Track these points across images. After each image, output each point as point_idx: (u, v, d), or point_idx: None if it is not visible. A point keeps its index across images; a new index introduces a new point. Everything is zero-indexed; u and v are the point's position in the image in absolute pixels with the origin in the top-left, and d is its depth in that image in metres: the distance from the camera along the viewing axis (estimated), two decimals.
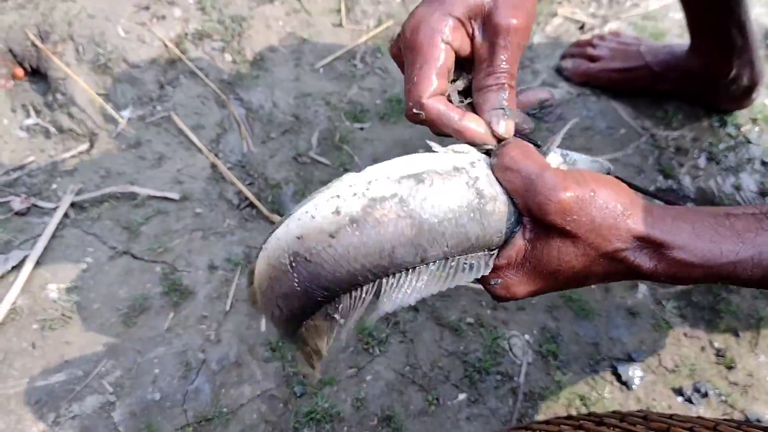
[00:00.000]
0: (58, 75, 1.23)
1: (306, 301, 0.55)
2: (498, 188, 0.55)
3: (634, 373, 1.03)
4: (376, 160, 1.19)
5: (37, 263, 1.05)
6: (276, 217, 1.12)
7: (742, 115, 1.32)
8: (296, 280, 0.54)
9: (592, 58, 1.36)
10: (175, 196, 1.13)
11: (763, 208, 0.55)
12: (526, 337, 1.05)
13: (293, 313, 0.57)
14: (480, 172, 0.55)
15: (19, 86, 1.25)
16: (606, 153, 1.25)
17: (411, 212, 0.52)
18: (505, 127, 0.59)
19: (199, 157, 1.20)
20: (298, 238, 0.53)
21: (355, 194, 0.53)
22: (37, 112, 1.22)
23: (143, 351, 1.00)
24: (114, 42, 1.27)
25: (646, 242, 0.54)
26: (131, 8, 1.33)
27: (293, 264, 0.54)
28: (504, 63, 0.60)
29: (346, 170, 1.19)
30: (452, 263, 0.55)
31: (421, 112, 0.58)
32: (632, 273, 0.55)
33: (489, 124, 0.59)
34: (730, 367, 1.06)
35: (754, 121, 1.33)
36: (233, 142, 1.23)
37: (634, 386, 1.02)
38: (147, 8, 1.34)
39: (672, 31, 1.45)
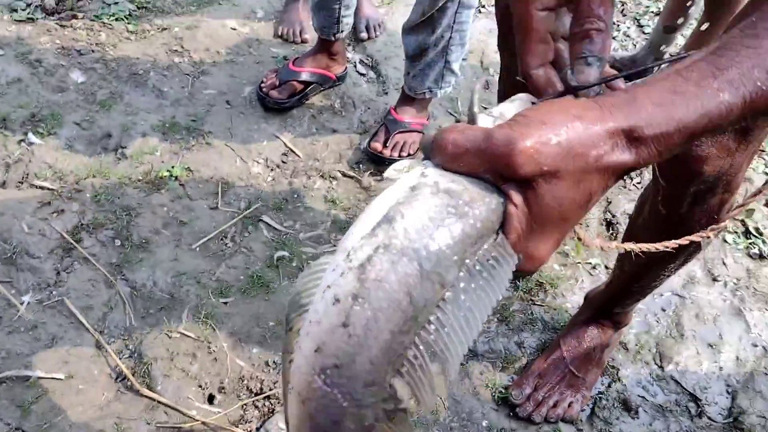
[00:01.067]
0: None
1: (359, 412, 0.48)
2: (459, 178, 0.50)
3: None
4: (234, 334, 1.47)
5: None
6: (146, 391, 1.37)
7: None
8: (338, 395, 0.48)
9: None
10: (61, 376, 1.38)
11: (709, 50, 0.51)
12: None
13: None
14: (434, 176, 0.50)
15: None
16: None
17: (402, 251, 0.47)
18: (584, 77, 0.57)
19: (86, 336, 1.46)
20: (317, 351, 0.47)
21: (342, 273, 0.48)
22: None
23: None
24: (18, 237, 1.54)
25: (615, 136, 0.49)
26: (35, 204, 1.60)
27: (326, 381, 0.47)
28: (589, 6, 0.57)
29: (209, 343, 1.46)
30: (476, 267, 0.50)
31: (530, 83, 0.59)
32: (622, 170, 0.51)
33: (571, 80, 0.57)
34: None
35: None
36: (118, 318, 1.49)
37: None
38: (49, 203, 1.62)
39: None
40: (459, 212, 0.48)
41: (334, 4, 1.87)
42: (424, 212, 0.48)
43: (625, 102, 0.49)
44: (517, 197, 0.48)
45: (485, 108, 0.57)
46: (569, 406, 1.48)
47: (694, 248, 1.18)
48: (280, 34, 2.24)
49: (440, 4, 1.66)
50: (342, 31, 1.96)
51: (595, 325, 1.52)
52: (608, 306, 1.48)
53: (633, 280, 1.37)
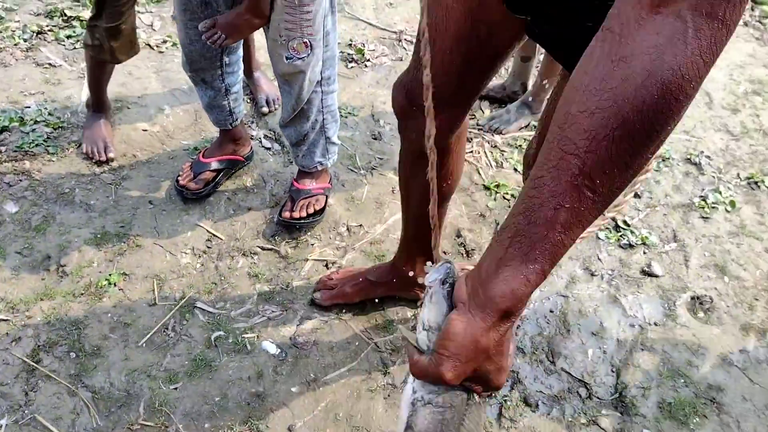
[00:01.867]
0: None
1: None
2: (433, 387, 0.76)
3: None
4: (187, 415, 1.71)
5: None
6: None
7: None
8: None
9: (332, 287, 1.95)
10: None
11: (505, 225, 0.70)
12: None
13: None
14: (419, 391, 0.77)
15: None
16: (345, 365, 1.82)
17: None
18: None
19: None
20: None
21: None
22: None
23: None
24: None
25: (496, 326, 0.69)
26: None
27: None
28: None
29: (167, 428, 1.70)
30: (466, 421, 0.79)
31: None
32: (511, 323, 0.71)
33: None
34: None
35: None
36: (85, 421, 1.72)
37: None
38: (6, 334, 1.84)
39: (391, 249, 2.07)
40: (444, 410, 0.77)
41: (223, 102, 2.12)
42: (425, 420, 0.77)
43: (483, 302, 0.69)
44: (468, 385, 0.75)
45: (420, 325, 0.79)
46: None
47: None
48: (84, 152, 2.32)
49: (305, 99, 1.93)
50: (237, 119, 2.21)
51: None
52: None
53: None
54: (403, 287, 1.90)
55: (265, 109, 2.56)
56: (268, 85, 2.61)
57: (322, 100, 1.97)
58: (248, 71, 2.54)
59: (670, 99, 0.61)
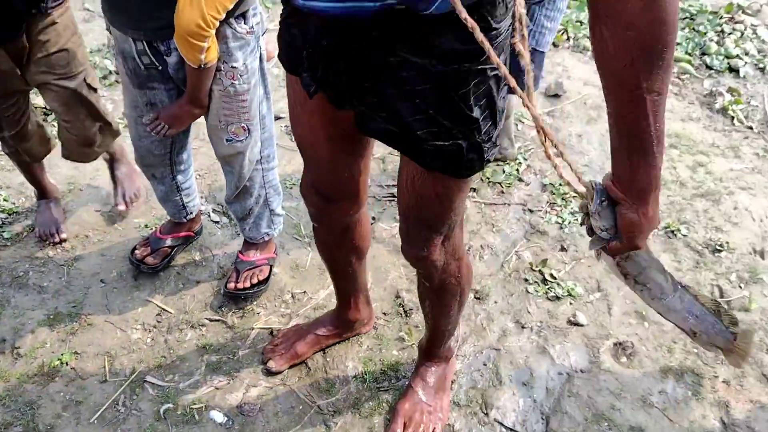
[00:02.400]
0: None
1: None
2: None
3: None
4: None
5: None
6: None
7: None
8: None
9: (282, 352, 2.06)
10: None
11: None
12: None
13: None
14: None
15: None
16: (289, 429, 1.92)
17: None
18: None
19: None
20: None
21: None
22: None
23: None
24: None
25: (651, 196, 1.04)
26: None
27: None
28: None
29: None
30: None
31: None
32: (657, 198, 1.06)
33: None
34: None
35: None
36: None
37: None
38: None
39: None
40: (651, 261, 1.20)
41: (175, 197, 2.26)
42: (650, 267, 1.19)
43: (638, 194, 1.03)
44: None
45: (598, 230, 1.12)
46: (433, 430, 1.91)
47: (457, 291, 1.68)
48: (38, 235, 2.43)
49: (247, 177, 2.08)
50: (191, 213, 2.34)
51: (431, 364, 1.97)
52: (432, 348, 1.94)
53: (436, 324, 1.83)
54: (347, 329, 2.10)
55: (122, 206, 2.53)
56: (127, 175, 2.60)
57: (263, 176, 2.12)
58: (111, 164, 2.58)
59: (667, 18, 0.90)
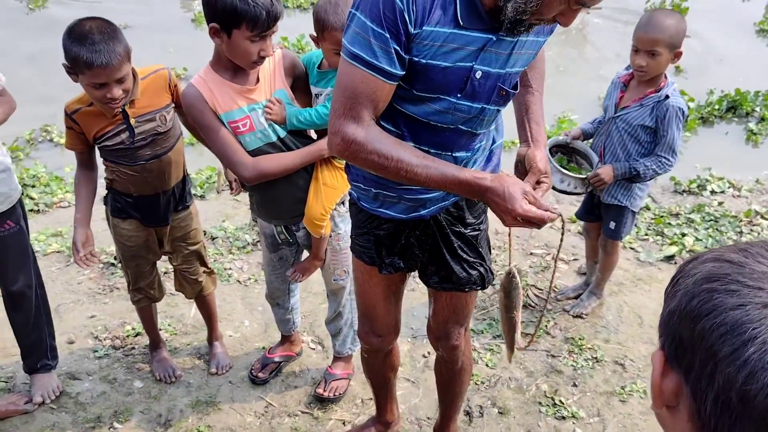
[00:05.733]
0: None
1: None
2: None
3: None
4: None
5: None
6: None
7: None
8: None
9: None
10: None
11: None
12: None
13: None
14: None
15: None
16: None
17: None
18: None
19: None
20: None
21: None
22: None
23: None
24: None
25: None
26: None
27: None
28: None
29: None
30: None
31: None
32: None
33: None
34: None
35: None
36: None
37: None
38: None
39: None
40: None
41: (288, 316, 3.25)
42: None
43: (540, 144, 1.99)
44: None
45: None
46: None
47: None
48: (158, 379, 3.15)
49: (343, 304, 3.04)
50: (296, 326, 3.32)
51: None
52: (449, 423, 2.70)
53: (454, 401, 2.60)
54: (386, 428, 2.86)
55: (214, 371, 3.35)
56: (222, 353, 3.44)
57: (351, 304, 3.07)
58: (210, 339, 3.38)
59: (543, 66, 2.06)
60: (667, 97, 3.03)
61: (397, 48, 1.58)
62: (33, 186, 4.87)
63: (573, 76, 7.08)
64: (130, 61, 2.49)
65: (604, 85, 3.74)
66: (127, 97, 2.52)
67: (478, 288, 2.20)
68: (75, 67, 2.39)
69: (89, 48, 2.33)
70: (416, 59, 1.61)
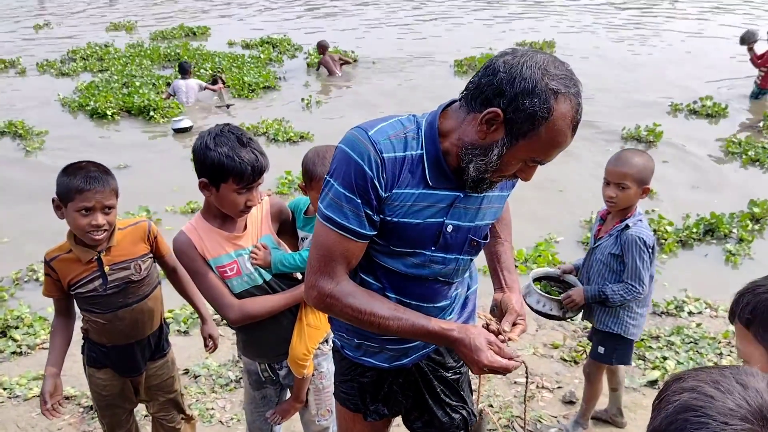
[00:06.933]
0: None
1: None
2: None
3: None
4: None
5: None
6: None
7: None
8: None
9: None
10: None
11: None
12: None
13: None
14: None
15: None
16: None
17: None
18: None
19: None
20: None
21: None
22: None
23: None
24: None
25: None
26: None
27: None
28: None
29: None
30: None
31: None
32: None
33: None
34: None
35: None
36: None
37: None
38: None
39: None
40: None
41: None
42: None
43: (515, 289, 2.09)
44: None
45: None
46: None
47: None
48: None
49: None
50: None
51: None
52: None
53: None
54: None
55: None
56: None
57: None
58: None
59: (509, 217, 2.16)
60: (627, 227, 3.19)
61: (369, 212, 1.73)
62: (16, 327, 4.85)
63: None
64: (117, 199, 2.61)
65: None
66: (108, 235, 2.59)
67: (461, 431, 2.23)
68: (66, 195, 2.46)
69: (83, 176, 2.47)
70: (389, 218, 1.75)
